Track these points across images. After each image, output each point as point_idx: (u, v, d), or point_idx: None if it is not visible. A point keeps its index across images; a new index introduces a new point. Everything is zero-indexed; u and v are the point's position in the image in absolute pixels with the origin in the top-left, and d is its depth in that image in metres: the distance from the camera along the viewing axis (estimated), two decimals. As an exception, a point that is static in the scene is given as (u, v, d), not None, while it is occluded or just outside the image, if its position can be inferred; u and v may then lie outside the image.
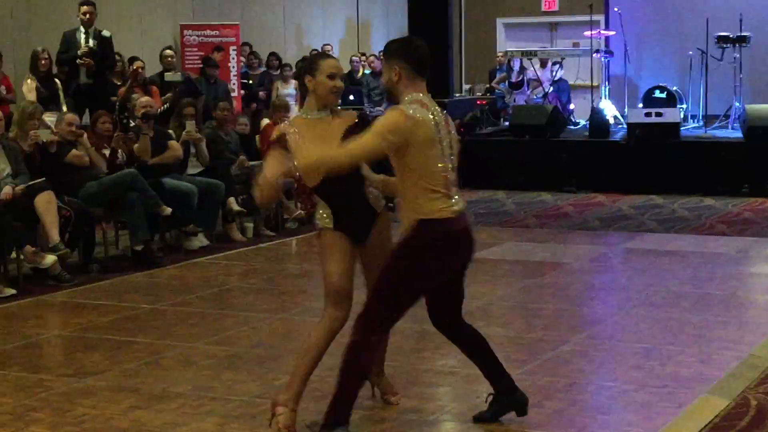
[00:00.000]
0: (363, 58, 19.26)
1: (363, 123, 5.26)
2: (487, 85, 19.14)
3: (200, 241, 10.65)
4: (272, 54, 17.49)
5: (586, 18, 17.10)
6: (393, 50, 5.02)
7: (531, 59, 18.13)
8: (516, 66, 18.36)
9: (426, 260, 4.89)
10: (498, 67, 19.53)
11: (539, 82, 17.91)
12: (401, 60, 4.95)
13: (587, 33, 17.19)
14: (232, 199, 11.11)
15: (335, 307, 5.14)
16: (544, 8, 22.01)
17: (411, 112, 4.82)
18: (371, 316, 4.91)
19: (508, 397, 5.32)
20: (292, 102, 15.57)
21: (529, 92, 18.15)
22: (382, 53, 5.26)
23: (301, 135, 5.07)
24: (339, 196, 5.19)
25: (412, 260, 4.89)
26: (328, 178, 5.04)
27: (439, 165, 4.88)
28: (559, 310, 7.94)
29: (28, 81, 12.07)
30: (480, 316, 7.74)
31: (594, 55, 16.93)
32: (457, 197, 4.96)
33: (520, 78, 18.33)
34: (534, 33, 21.88)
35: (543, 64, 18.27)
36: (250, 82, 16.63)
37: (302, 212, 11.52)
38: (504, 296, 8.47)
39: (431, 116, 4.88)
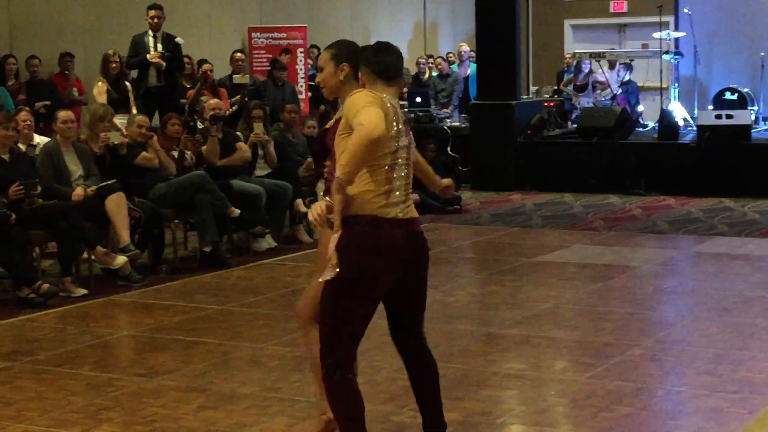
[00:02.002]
0: (430, 60, 19.25)
1: None
2: (555, 87, 19.05)
3: (268, 242, 10.71)
4: (339, 56, 17.51)
5: (656, 19, 16.95)
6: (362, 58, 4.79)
7: (599, 61, 18.00)
8: (586, 68, 18.24)
9: (351, 259, 4.48)
10: (566, 69, 19.42)
11: (605, 84, 17.78)
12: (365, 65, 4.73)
13: (656, 34, 17.05)
14: (299, 201, 11.16)
15: None
16: (612, 9, 21.84)
17: (372, 97, 4.51)
18: (323, 333, 4.61)
19: None
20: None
21: (596, 94, 18.02)
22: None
23: None
24: None
25: (340, 262, 4.50)
26: None
27: (389, 160, 4.54)
28: (627, 314, 7.87)
29: (99, 84, 12.23)
30: (548, 319, 7.72)
31: (663, 56, 16.78)
32: (402, 204, 4.58)
33: (586, 81, 18.20)
34: (602, 34, 21.72)
35: (611, 66, 18.13)
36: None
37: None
38: (571, 299, 8.41)
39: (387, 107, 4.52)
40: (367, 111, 4.41)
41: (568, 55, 19.95)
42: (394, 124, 4.55)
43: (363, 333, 4.63)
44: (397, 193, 4.58)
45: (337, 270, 4.48)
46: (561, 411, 5.78)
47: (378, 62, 4.69)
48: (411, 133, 4.76)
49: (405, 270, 4.63)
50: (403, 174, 4.61)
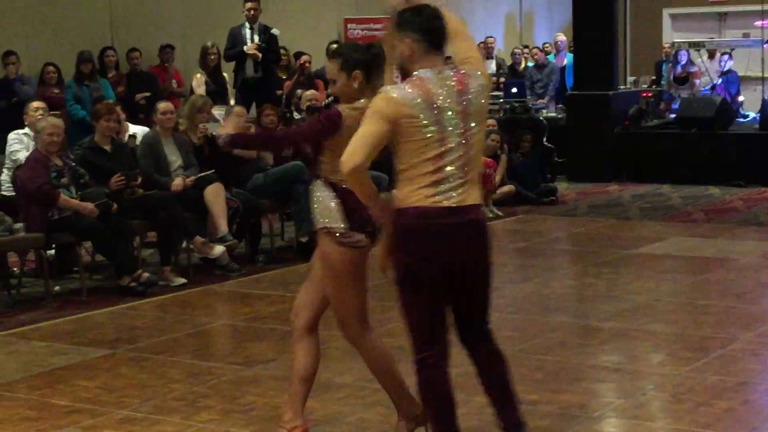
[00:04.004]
0: (525, 50, 19.15)
1: None
2: (653, 77, 18.81)
3: (363, 232, 10.72)
4: (435, 47, 17.50)
5: (757, 7, 16.67)
6: (404, 21, 4.37)
7: (699, 50, 17.74)
8: (683, 59, 17.96)
9: (404, 253, 4.36)
10: (664, 59, 19.17)
11: (701, 74, 17.52)
12: (414, 32, 4.32)
13: (758, 23, 16.76)
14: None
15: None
16: (713, -2, 21.54)
17: (395, 94, 4.27)
18: (409, 336, 4.51)
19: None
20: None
21: (695, 84, 17.76)
22: (394, 25, 4.42)
23: None
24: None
25: (395, 258, 4.42)
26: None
27: (431, 151, 4.26)
28: (727, 307, 7.75)
29: (198, 75, 12.41)
30: (645, 312, 7.63)
31: (765, 45, 16.48)
32: (454, 190, 4.25)
33: (686, 72, 17.94)
34: (702, 23, 21.41)
35: (711, 56, 17.86)
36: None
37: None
38: (670, 292, 8.31)
39: (421, 97, 4.23)
40: (358, 133, 4.38)
41: (666, 45, 19.70)
42: (435, 107, 4.23)
43: (438, 326, 4.43)
44: (450, 181, 4.26)
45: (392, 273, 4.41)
46: (659, 405, 5.71)
47: (429, 28, 4.33)
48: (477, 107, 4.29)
49: (460, 260, 4.31)
50: (456, 158, 4.25)
